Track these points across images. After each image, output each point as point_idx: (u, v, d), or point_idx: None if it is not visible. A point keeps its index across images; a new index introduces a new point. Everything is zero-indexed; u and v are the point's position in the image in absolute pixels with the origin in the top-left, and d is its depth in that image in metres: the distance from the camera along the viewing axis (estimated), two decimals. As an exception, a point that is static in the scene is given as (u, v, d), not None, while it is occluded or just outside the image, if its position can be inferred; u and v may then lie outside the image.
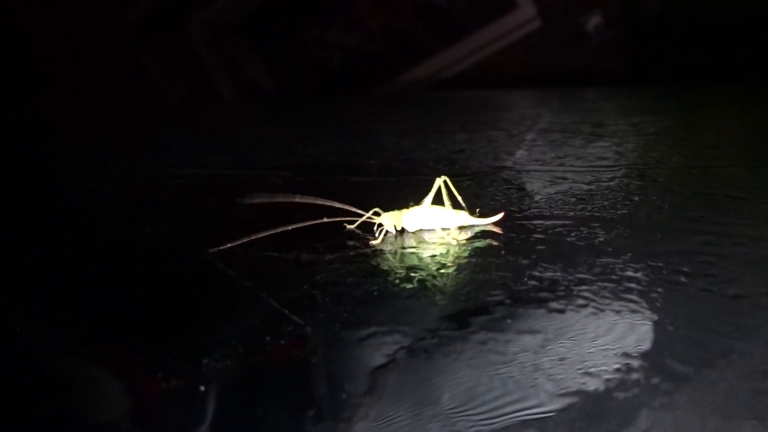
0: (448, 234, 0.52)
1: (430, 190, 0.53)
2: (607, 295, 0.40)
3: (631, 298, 0.39)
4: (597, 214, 0.54)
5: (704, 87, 1.33)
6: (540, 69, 1.66)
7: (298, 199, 0.50)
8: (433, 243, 0.51)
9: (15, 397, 0.36)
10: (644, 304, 0.38)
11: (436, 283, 0.44)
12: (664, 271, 0.42)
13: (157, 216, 0.60)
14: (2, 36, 1.73)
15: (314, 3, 1.83)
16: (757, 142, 0.81)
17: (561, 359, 0.34)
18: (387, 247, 0.51)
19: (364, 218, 0.52)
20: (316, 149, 0.91)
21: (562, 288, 0.41)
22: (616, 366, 0.33)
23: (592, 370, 0.33)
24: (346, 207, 0.51)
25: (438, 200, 0.54)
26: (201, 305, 0.44)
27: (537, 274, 0.44)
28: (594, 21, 1.66)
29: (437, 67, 1.72)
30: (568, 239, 0.49)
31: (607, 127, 0.93)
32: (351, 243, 0.52)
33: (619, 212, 0.54)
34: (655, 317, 0.37)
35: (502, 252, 0.48)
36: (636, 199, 0.58)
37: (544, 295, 0.40)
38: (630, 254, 0.45)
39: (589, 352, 0.34)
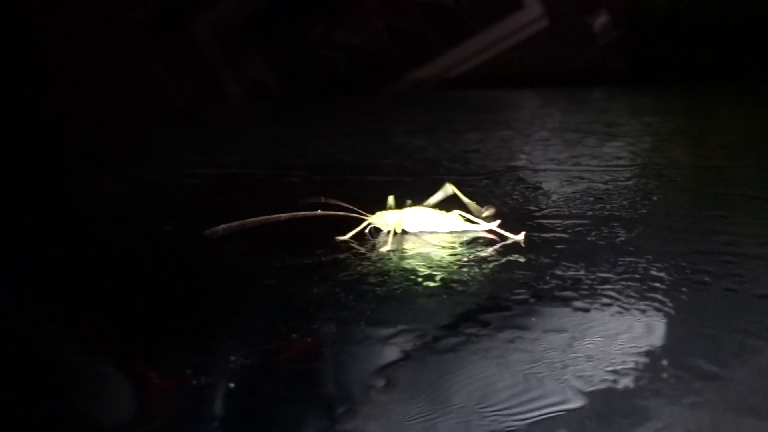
0: (460, 235, 0.52)
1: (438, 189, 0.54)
2: (632, 294, 0.40)
3: (655, 297, 0.39)
4: (616, 214, 0.54)
5: (711, 87, 1.33)
6: (545, 69, 1.66)
7: (284, 217, 0.50)
8: (453, 242, 0.51)
9: (38, 396, 0.36)
10: (669, 304, 0.38)
11: (459, 281, 0.44)
12: (688, 271, 0.42)
13: (176, 215, 0.60)
14: (11, 36, 1.74)
15: (320, 3, 1.83)
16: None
17: (588, 357, 0.34)
18: (406, 246, 0.51)
19: (360, 228, 0.52)
20: (328, 149, 0.92)
21: (586, 287, 0.41)
22: (644, 365, 0.33)
23: (619, 368, 0.33)
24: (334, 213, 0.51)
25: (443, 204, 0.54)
26: (225, 304, 0.44)
27: (559, 273, 0.44)
28: (600, 21, 1.66)
29: (442, 66, 1.72)
30: (589, 238, 0.49)
31: (620, 127, 0.93)
32: (371, 243, 0.52)
33: (638, 212, 0.54)
34: (681, 316, 0.37)
35: (524, 251, 0.48)
36: (654, 198, 0.58)
37: (568, 294, 0.40)
38: (652, 254, 0.45)
39: (617, 351, 0.34)
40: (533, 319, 0.38)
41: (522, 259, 0.46)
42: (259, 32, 1.81)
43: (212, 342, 0.39)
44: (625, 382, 0.32)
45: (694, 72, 1.51)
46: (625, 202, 0.57)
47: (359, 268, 0.47)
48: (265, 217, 0.50)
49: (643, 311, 0.38)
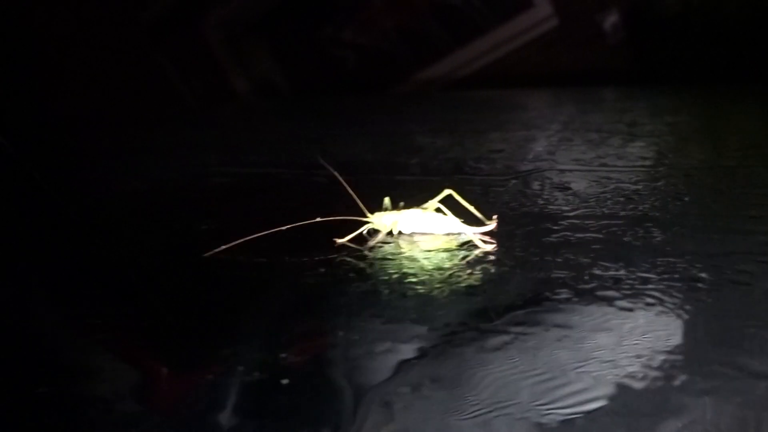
0: (456, 237, 0.52)
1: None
2: (675, 294, 0.40)
3: (698, 297, 0.40)
4: (649, 214, 0.54)
5: (725, 86, 1.32)
6: (555, 68, 1.66)
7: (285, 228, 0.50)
8: (485, 242, 0.51)
9: (75, 393, 0.37)
10: (714, 303, 0.39)
11: (496, 280, 0.44)
12: (728, 271, 0.43)
13: (212, 214, 0.61)
14: (21, 37, 1.75)
15: (329, 2, 1.83)
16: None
17: (638, 356, 0.34)
18: (437, 244, 0.52)
19: (360, 230, 0.52)
20: (352, 148, 0.92)
21: (627, 286, 0.42)
22: (693, 363, 0.33)
23: (669, 367, 0.33)
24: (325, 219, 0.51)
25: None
26: (271, 301, 0.45)
27: (599, 272, 0.44)
28: (611, 20, 1.66)
29: (452, 66, 1.72)
30: (625, 239, 0.50)
31: (643, 127, 0.93)
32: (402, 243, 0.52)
33: (671, 212, 0.55)
34: (726, 316, 0.38)
35: (560, 250, 0.48)
36: (686, 199, 0.58)
37: (610, 293, 0.41)
38: (690, 254, 0.46)
39: (665, 350, 0.35)
40: (576, 317, 0.39)
41: (559, 259, 0.47)
42: (268, 31, 1.82)
43: (257, 340, 0.40)
44: (676, 380, 0.32)
45: (706, 71, 1.51)
46: (657, 203, 0.57)
47: (400, 267, 0.47)
48: (266, 232, 0.50)
49: (687, 311, 0.38)
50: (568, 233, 0.52)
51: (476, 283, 0.44)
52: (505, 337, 0.37)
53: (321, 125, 1.19)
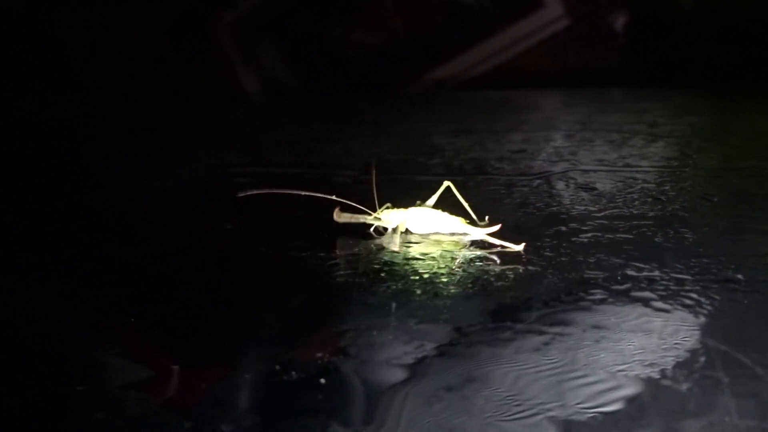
0: (461, 238, 0.52)
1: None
2: (712, 295, 0.40)
3: (735, 298, 0.40)
4: (679, 215, 0.54)
5: (741, 86, 1.31)
6: (567, 68, 1.65)
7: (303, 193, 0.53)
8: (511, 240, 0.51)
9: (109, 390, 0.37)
10: (751, 305, 0.39)
11: (530, 281, 0.44)
12: (763, 272, 0.43)
13: (237, 213, 0.61)
14: (34, 38, 1.76)
15: (340, 3, 1.83)
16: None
17: (677, 357, 0.34)
18: (462, 241, 0.52)
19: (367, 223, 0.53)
20: (371, 148, 0.92)
21: (662, 287, 0.41)
22: (734, 366, 0.33)
23: (709, 369, 0.33)
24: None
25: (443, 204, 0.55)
26: (303, 301, 0.45)
27: (632, 273, 0.44)
28: (622, 20, 1.65)
29: (463, 66, 1.72)
30: (656, 239, 0.49)
31: (663, 127, 0.93)
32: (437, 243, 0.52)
33: (700, 213, 0.55)
34: (766, 317, 0.37)
35: (591, 251, 0.48)
36: (715, 200, 0.58)
37: (645, 294, 0.41)
38: (723, 255, 0.45)
39: (704, 352, 0.34)
40: (613, 318, 0.39)
41: (591, 260, 0.47)
42: (279, 32, 1.82)
43: (302, 337, 0.40)
44: (716, 382, 0.32)
45: (721, 71, 1.50)
46: (685, 204, 0.57)
47: (430, 267, 0.47)
48: (290, 190, 0.54)
49: (725, 312, 0.38)
50: (598, 233, 0.51)
51: (507, 284, 0.44)
52: (543, 338, 0.37)
53: (339, 126, 1.19)
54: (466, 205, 0.55)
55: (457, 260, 0.49)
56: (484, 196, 0.64)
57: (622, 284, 0.42)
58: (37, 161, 0.98)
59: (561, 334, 0.37)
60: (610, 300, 0.40)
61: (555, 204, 0.60)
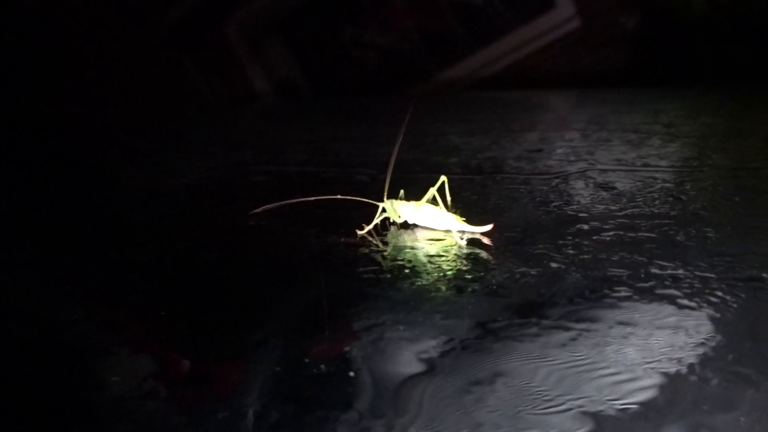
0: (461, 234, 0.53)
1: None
2: (737, 293, 0.40)
3: (761, 296, 0.40)
4: (701, 214, 0.54)
5: (755, 86, 1.31)
6: (578, 69, 1.64)
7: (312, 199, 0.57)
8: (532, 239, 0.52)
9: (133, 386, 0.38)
10: (777, 302, 0.39)
11: (554, 278, 0.45)
12: (788, 271, 0.43)
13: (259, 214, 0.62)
14: (46, 40, 1.77)
15: (350, 3, 1.83)
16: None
17: (705, 354, 0.34)
18: (486, 240, 0.52)
19: (376, 218, 0.55)
20: (387, 147, 0.92)
21: (687, 285, 0.42)
22: (762, 363, 0.33)
23: (737, 365, 0.33)
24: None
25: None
26: (341, 294, 0.45)
27: (656, 271, 0.44)
28: (634, 20, 1.64)
29: (473, 67, 1.72)
30: (678, 238, 0.49)
31: (680, 128, 0.93)
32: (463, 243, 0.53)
33: (722, 212, 0.55)
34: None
35: (613, 249, 0.48)
36: (736, 199, 0.58)
37: (670, 292, 0.41)
38: (747, 254, 0.45)
39: (732, 349, 0.35)
40: (638, 315, 0.39)
41: (614, 257, 0.47)
42: (289, 32, 1.83)
43: (319, 334, 0.41)
44: (745, 378, 0.32)
45: (733, 71, 1.49)
46: (706, 203, 0.57)
47: (454, 263, 0.48)
48: (297, 200, 0.57)
49: (750, 310, 0.38)
50: (620, 232, 0.52)
51: (532, 281, 0.44)
52: (570, 333, 0.37)
53: (353, 125, 1.20)
54: (448, 200, 0.57)
55: (483, 257, 0.49)
56: (504, 195, 0.64)
57: (646, 282, 0.43)
58: (57, 161, 1.00)
59: (587, 330, 0.37)
60: (636, 297, 0.41)
61: (575, 203, 0.60)
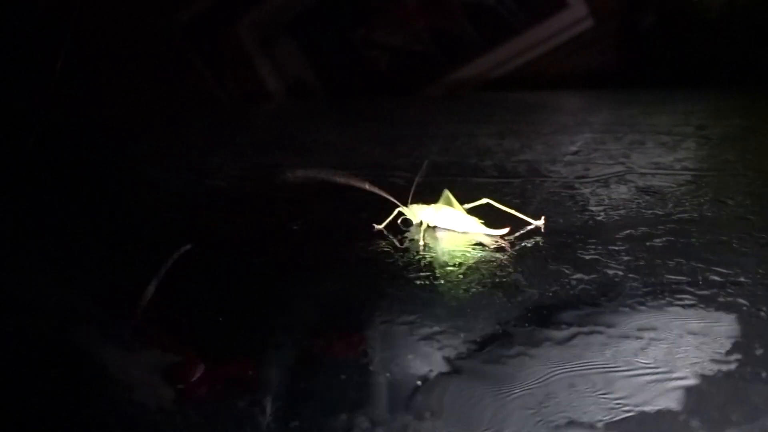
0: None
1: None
2: (806, 301, 0.39)
3: (830, 304, 0.39)
4: (750, 218, 0.54)
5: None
6: (590, 69, 1.63)
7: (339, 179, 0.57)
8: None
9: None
10: None
11: (612, 285, 0.44)
12: None
13: (301, 213, 0.62)
14: (61, 41, 1.78)
15: (362, 3, 1.83)
16: None
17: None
18: (504, 243, 0.52)
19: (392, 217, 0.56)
20: (420, 149, 0.93)
21: (749, 292, 0.41)
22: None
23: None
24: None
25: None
26: (406, 302, 0.45)
27: (716, 278, 0.44)
28: (647, 20, 1.63)
29: (485, 67, 1.71)
30: (734, 244, 0.49)
31: (713, 130, 0.92)
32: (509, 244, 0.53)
33: (773, 217, 0.54)
34: None
35: (671, 254, 0.48)
36: (786, 203, 0.57)
37: (734, 300, 0.40)
38: (808, 260, 0.45)
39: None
40: (705, 323, 0.38)
41: (671, 263, 0.46)
42: (301, 33, 1.83)
43: (356, 333, 0.40)
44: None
45: (756, 72, 1.48)
46: (754, 208, 0.57)
47: (510, 269, 0.48)
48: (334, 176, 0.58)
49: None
50: (671, 237, 0.51)
51: (589, 287, 0.44)
52: (639, 342, 0.37)
53: (374, 126, 1.20)
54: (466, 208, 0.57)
55: (531, 264, 0.49)
56: (545, 199, 0.64)
57: (708, 289, 0.42)
58: (88, 163, 1.00)
59: (657, 339, 0.37)
60: (701, 305, 0.40)
61: (620, 207, 0.60)
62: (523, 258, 0.50)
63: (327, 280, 0.50)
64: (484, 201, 0.57)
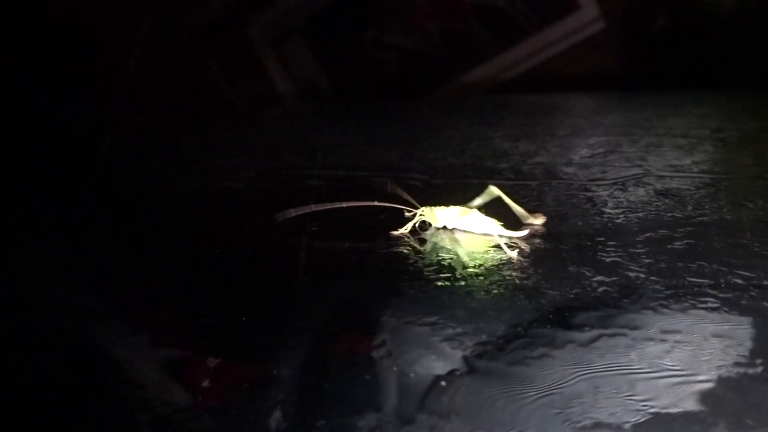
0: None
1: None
2: (831, 304, 0.39)
3: None
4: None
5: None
6: (602, 71, 1.63)
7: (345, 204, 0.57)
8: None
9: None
10: None
11: (633, 287, 0.44)
12: None
13: (315, 216, 0.62)
14: (69, 42, 1.79)
15: (372, 5, 1.83)
16: None
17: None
18: (523, 245, 0.52)
19: (413, 222, 0.56)
20: (434, 152, 0.93)
21: (774, 296, 0.41)
22: None
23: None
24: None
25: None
26: (427, 304, 0.45)
27: (739, 281, 0.44)
28: (660, 22, 1.63)
29: (496, 69, 1.71)
30: (755, 247, 0.49)
31: (730, 132, 0.92)
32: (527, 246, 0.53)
33: (796, 221, 0.54)
34: None
35: (691, 257, 0.48)
36: (807, 206, 0.57)
37: (759, 303, 0.40)
38: (831, 264, 0.45)
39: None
40: (729, 327, 0.38)
41: (692, 265, 0.46)
42: (312, 35, 1.84)
43: (382, 335, 0.41)
44: None
45: (762, 74, 1.47)
46: (775, 211, 0.56)
47: (530, 272, 0.48)
48: (330, 205, 0.57)
49: None
50: (691, 240, 0.51)
51: (611, 289, 0.44)
52: (664, 345, 0.37)
53: (388, 128, 1.20)
54: (513, 205, 0.57)
55: (552, 268, 0.49)
56: (563, 201, 0.64)
57: (731, 292, 0.42)
58: (101, 167, 1.01)
59: (681, 342, 0.37)
60: (724, 308, 0.40)
61: (639, 210, 0.59)
62: (543, 260, 0.50)
63: (346, 281, 0.50)
64: (491, 189, 0.57)
